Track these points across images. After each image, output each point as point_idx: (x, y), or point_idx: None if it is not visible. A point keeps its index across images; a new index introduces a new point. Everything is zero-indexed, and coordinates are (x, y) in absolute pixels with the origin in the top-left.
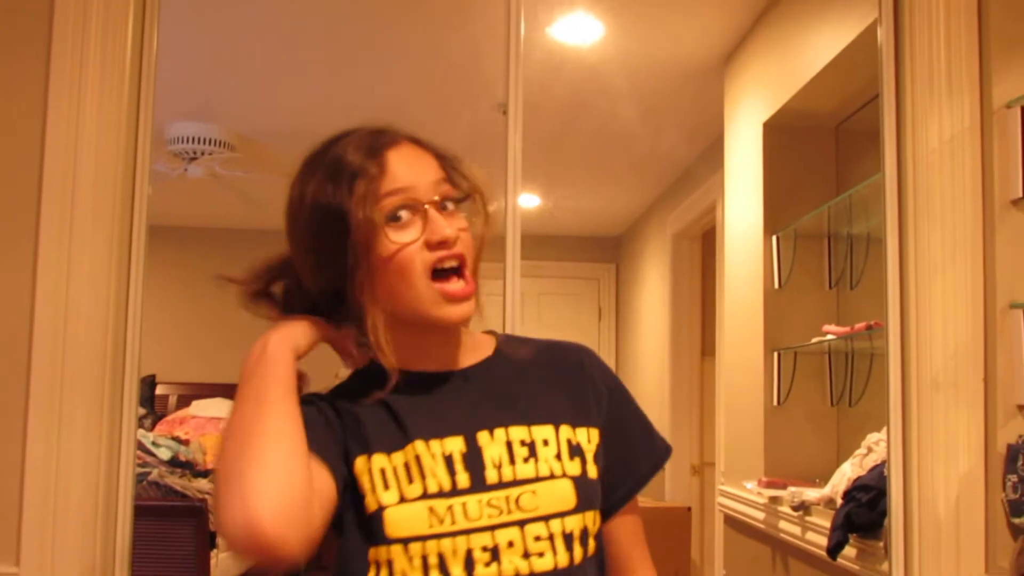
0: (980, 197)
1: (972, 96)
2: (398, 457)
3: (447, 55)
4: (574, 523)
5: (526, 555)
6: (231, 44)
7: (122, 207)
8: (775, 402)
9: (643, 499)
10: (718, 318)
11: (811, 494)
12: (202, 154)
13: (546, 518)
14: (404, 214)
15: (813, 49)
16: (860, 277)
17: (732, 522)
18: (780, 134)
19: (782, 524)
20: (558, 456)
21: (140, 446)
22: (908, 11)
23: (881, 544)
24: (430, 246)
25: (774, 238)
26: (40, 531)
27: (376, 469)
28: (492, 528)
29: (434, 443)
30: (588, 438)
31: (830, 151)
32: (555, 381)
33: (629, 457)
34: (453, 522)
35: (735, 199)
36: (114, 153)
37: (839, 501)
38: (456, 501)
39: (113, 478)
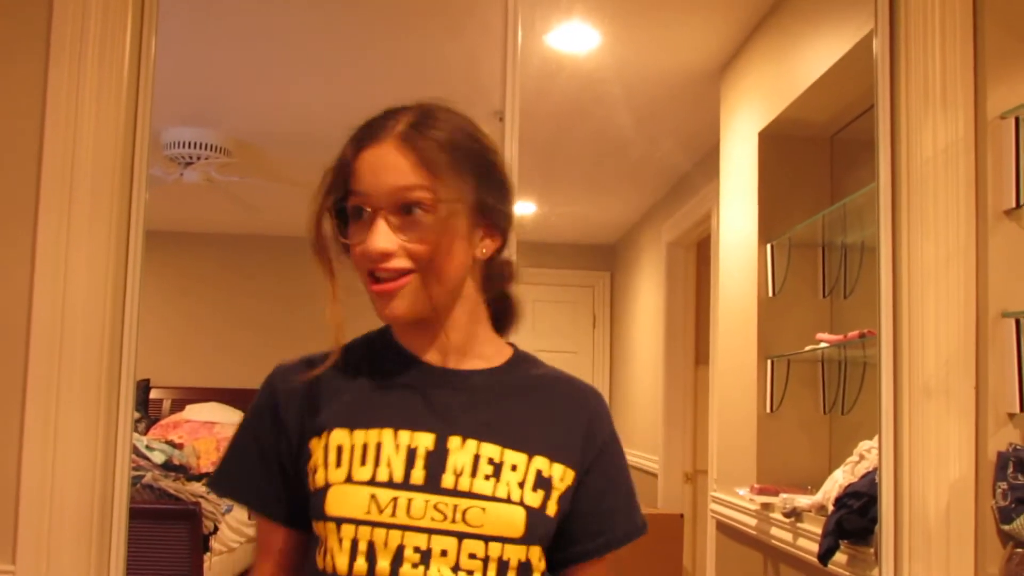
0: (973, 207)
1: (966, 107)
2: (359, 436)
3: (444, 62)
4: (515, 552)
5: (456, 568)
6: (227, 49)
7: (119, 212)
8: (768, 409)
9: None
10: (712, 326)
11: (803, 501)
12: (198, 159)
13: (487, 539)
14: (366, 213)
15: (809, 59)
16: (854, 286)
17: (724, 529)
18: (775, 144)
19: (774, 531)
20: (521, 484)
21: (134, 450)
22: (904, 23)
23: (872, 550)
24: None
25: (768, 247)
26: (36, 531)
27: (333, 446)
28: (430, 532)
29: (404, 433)
30: (562, 476)
31: (825, 161)
32: (553, 412)
33: (603, 516)
34: (393, 514)
35: (730, 208)
36: (111, 158)
37: (831, 508)
38: (403, 495)
39: (109, 480)
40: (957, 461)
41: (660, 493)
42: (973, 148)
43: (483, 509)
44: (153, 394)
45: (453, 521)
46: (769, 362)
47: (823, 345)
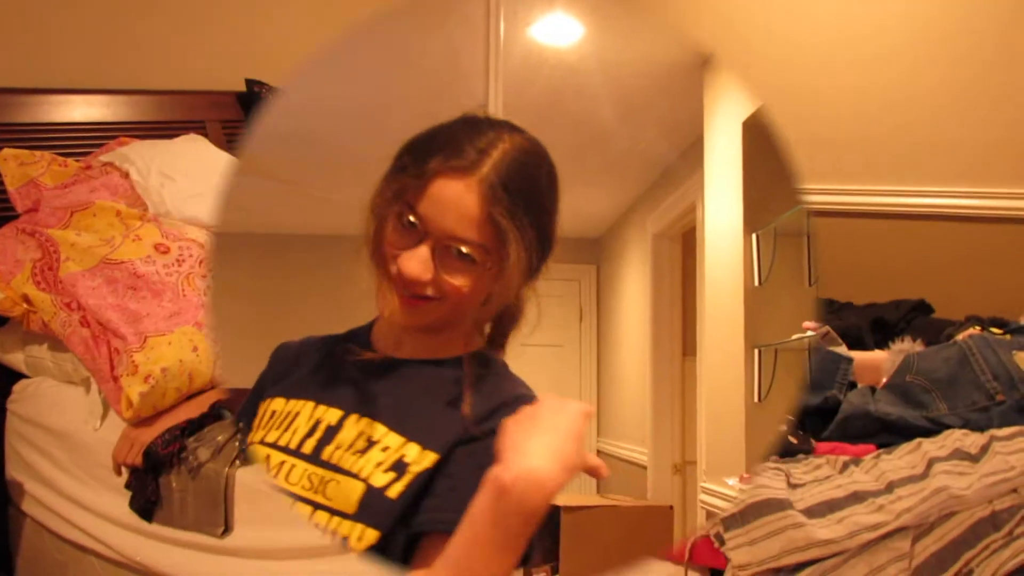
0: None
1: None
2: (291, 404)
3: (426, 54)
4: (345, 528)
5: None
6: None
7: None
8: (756, 399)
9: (625, 499)
10: (698, 317)
11: None
12: None
13: (331, 511)
14: (417, 230)
15: None
16: None
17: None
18: (759, 133)
19: None
20: (380, 463)
21: None
22: None
23: None
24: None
25: (754, 236)
26: None
27: (269, 410)
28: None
29: (320, 408)
30: (419, 459)
31: None
32: (453, 402)
33: (448, 495)
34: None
35: (715, 198)
36: None
37: None
38: (289, 460)
39: None
40: None
41: (650, 485)
42: None
43: (338, 482)
44: None
45: (315, 492)
46: (756, 351)
47: (810, 334)
